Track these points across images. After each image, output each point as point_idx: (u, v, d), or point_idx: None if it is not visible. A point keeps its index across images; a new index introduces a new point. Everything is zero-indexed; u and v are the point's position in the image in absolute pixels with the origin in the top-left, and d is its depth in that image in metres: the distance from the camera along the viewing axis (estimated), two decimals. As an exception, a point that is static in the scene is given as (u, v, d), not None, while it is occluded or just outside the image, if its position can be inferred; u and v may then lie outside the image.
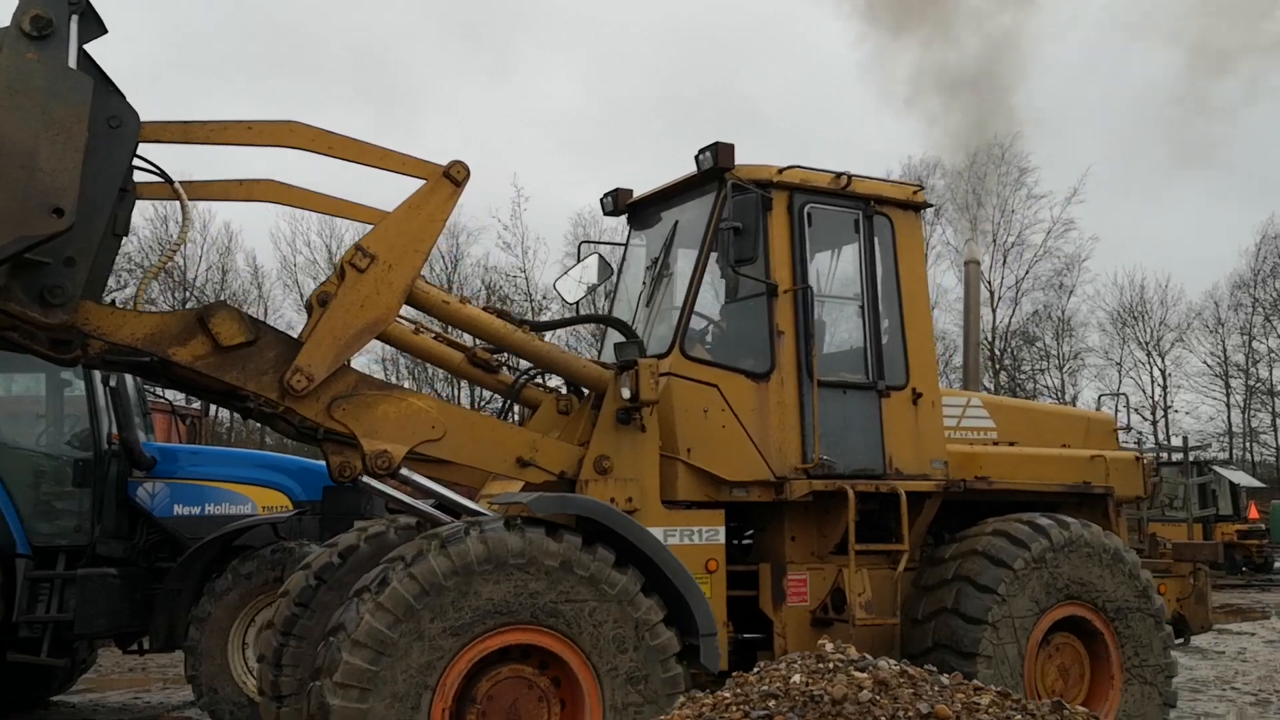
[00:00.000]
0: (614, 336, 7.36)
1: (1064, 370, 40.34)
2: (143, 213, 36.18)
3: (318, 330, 5.81)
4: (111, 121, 5.31)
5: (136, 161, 5.86)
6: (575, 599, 5.46)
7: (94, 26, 5.11)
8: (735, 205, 6.59)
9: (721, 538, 6.58)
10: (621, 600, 5.54)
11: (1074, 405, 35.56)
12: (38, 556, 9.16)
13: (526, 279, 38.33)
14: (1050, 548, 6.88)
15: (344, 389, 5.85)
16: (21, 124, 4.73)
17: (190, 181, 6.23)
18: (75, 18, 4.95)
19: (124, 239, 5.98)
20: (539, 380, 7.15)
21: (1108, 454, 8.23)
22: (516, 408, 7.40)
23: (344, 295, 5.83)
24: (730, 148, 6.90)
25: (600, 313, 8.89)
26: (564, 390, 6.85)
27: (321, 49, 54.08)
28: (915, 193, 7.56)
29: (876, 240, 7.38)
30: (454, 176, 6.05)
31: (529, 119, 55.39)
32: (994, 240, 38.84)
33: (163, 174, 6.00)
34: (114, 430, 9.61)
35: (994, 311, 38.69)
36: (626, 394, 6.27)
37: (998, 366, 38.62)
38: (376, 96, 54.58)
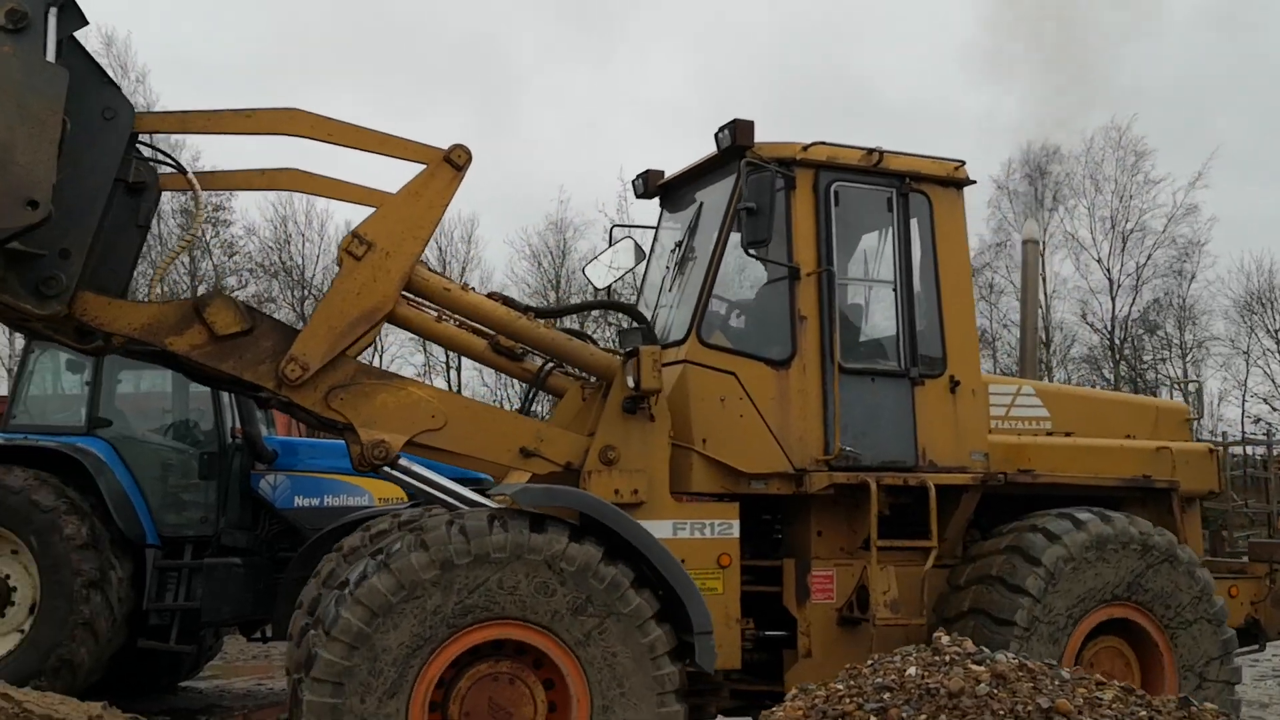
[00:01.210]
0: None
1: (1187, 359, 38.35)
2: (263, 213, 37.40)
3: (313, 319, 5.82)
4: (106, 113, 5.37)
5: (153, 154, 5.94)
6: (475, 585, 5.29)
7: (74, 19, 5.14)
8: (750, 185, 6.30)
9: (736, 531, 6.30)
10: (518, 555, 5.34)
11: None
12: (166, 546, 9.56)
13: (634, 274, 38.16)
14: (1090, 544, 6.44)
15: (342, 378, 5.81)
16: None
17: (212, 171, 6.25)
18: (53, 10, 4.97)
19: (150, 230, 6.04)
20: (565, 367, 7.00)
21: (1175, 445, 7.65)
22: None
23: (340, 283, 5.82)
24: (749, 125, 6.61)
25: (614, 298, 8.68)
26: (592, 379, 6.68)
27: (423, 40, 54.73)
28: (957, 168, 7.13)
29: (914, 220, 6.99)
30: (454, 161, 5.97)
31: (635, 104, 54.91)
32: (1112, 226, 37.31)
33: (177, 164, 6.07)
34: (237, 425, 9.98)
35: (1114, 300, 37.18)
36: (631, 382, 6.06)
37: (1118, 356, 37.04)
38: (479, 85, 54.84)
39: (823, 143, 6.79)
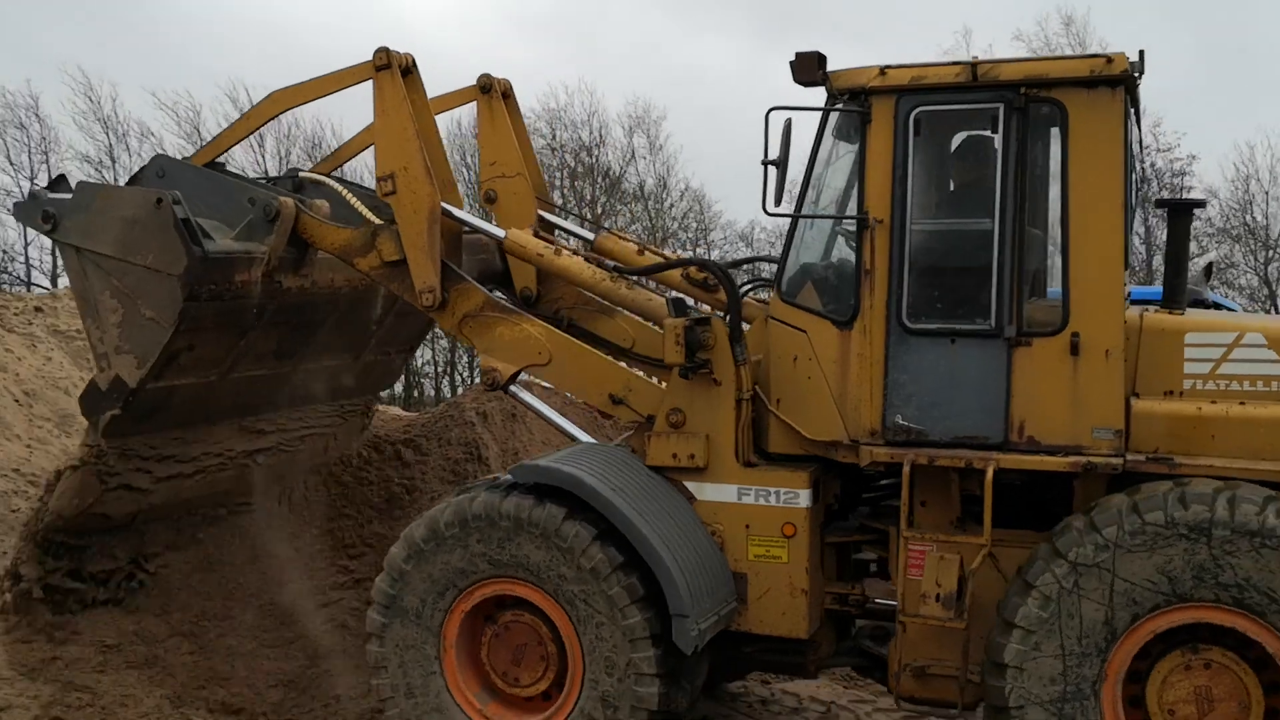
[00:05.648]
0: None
1: None
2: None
3: (407, 252, 6.65)
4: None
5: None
6: (487, 544, 5.97)
7: None
8: (783, 133, 5.81)
9: (804, 501, 6.08)
10: (518, 527, 5.88)
11: None
12: None
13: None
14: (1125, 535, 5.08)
15: (472, 308, 6.68)
16: None
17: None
18: None
19: None
20: (759, 296, 7.14)
21: None
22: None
23: (399, 216, 6.61)
24: (811, 57, 5.88)
25: (699, 256, 7.99)
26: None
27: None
28: (1108, 63, 5.46)
29: (1032, 137, 5.63)
30: (377, 64, 6.59)
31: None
32: None
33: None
34: None
35: None
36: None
37: None
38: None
39: (905, 65, 5.79)
